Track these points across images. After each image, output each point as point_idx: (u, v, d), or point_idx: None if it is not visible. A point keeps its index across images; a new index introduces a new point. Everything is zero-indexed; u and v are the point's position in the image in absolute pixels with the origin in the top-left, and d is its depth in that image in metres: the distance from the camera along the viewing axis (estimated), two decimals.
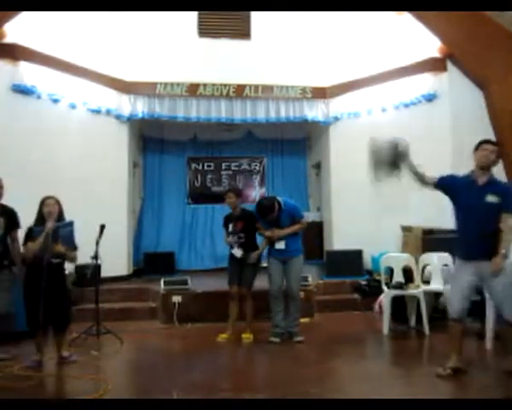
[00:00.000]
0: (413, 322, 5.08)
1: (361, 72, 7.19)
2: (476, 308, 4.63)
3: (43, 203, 3.91)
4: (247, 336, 4.64)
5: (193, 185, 8.65)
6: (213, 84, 7.19)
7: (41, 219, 3.86)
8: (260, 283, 4.89)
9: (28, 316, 3.82)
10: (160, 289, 5.63)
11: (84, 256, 5.10)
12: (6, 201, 4.19)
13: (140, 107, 7.10)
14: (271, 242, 4.63)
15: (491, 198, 3.31)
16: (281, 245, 4.58)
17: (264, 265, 4.96)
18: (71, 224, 3.93)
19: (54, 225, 3.79)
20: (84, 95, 6.54)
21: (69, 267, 5.93)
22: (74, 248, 3.99)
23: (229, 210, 4.96)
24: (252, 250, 4.72)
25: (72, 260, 4.05)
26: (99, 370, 3.87)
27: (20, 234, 4.08)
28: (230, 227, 4.76)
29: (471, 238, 3.37)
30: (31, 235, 3.82)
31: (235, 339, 4.63)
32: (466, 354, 3.66)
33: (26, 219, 3.97)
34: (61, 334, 3.95)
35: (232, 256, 4.81)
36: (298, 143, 8.87)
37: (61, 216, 3.93)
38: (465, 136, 6.35)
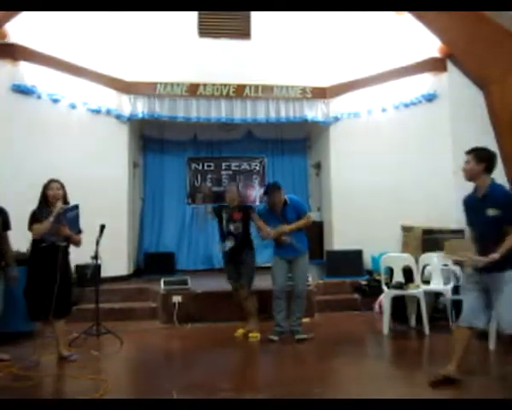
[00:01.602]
0: (413, 322, 5.08)
1: (361, 72, 7.19)
2: None
3: (47, 187, 3.92)
4: (254, 335, 4.65)
5: (193, 185, 8.64)
6: (213, 84, 7.20)
7: (44, 202, 3.88)
8: (261, 282, 4.89)
9: (31, 302, 3.82)
10: (160, 289, 5.63)
11: (84, 256, 5.12)
12: (4, 201, 4.19)
13: (140, 107, 7.10)
14: (277, 238, 4.60)
15: (491, 212, 3.14)
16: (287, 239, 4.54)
17: (268, 265, 4.97)
18: (77, 207, 3.94)
19: (63, 206, 3.82)
20: (84, 95, 6.54)
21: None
22: (79, 231, 4.00)
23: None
24: (246, 245, 4.75)
25: (77, 243, 4.04)
26: (99, 370, 3.87)
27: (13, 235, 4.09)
28: (225, 217, 4.76)
29: (479, 251, 3.25)
30: (35, 217, 3.82)
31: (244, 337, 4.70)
32: (468, 354, 3.65)
33: (26, 219, 3.95)
34: (60, 322, 3.95)
35: (228, 258, 4.81)
36: (298, 143, 8.86)
37: (65, 200, 3.95)
38: (465, 135, 6.36)
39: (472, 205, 3.35)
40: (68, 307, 4.05)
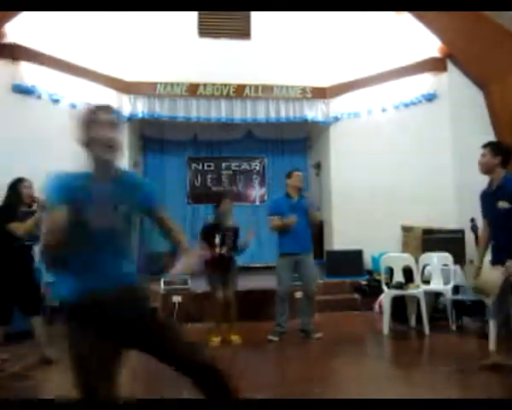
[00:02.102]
0: (413, 322, 5.07)
1: (361, 72, 7.19)
2: (476, 308, 4.65)
3: (21, 184, 3.86)
4: (236, 338, 4.59)
5: (193, 185, 8.64)
6: (213, 84, 7.19)
7: (19, 199, 3.82)
8: (262, 283, 4.88)
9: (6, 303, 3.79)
10: (160, 289, 5.62)
11: None
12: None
13: (140, 107, 7.10)
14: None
15: (501, 204, 3.18)
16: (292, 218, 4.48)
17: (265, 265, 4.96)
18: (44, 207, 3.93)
19: (45, 205, 3.79)
20: (84, 95, 6.53)
21: None
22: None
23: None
24: (231, 263, 4.67)
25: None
26: None
27: None
28: (218, 239, 4.57)
29: (493, 245, 3.34)
30: (12, 215, 3.72)
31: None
32: (468, 354, 3.66)
33: None
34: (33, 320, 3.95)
35: (215, 263, 4.53)
36: (298, 143, 8.86)
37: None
38: (465, 135, 6.38)
39: (486, 199, 3.39)
40: (38, 306, 4.03)
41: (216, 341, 4.56)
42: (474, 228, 5.16)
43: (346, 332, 5.03)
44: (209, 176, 8.71)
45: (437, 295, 5.19)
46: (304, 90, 7.39)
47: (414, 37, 6.85)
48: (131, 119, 7.15)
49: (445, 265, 5.09)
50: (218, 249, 4.57)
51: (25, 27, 5.90)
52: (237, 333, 4.62)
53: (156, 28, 7.20)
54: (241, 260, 7.86)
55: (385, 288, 5.00)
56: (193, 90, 7.18)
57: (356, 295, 6.11)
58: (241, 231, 4.79)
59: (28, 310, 3.88)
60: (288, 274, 4.57)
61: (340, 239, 7.15)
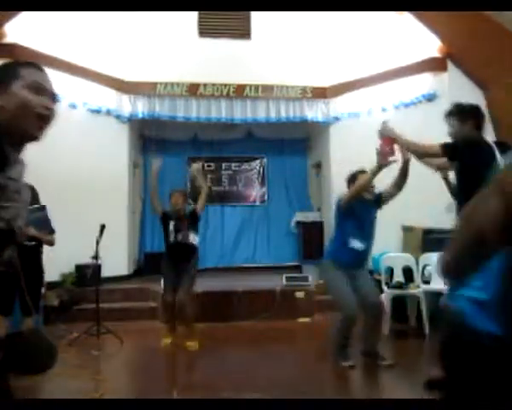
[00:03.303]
0: (413, 322, 5.08)
1: (361, 71, 7.18)
2: None
3: None
4: (193, 344, 4.36)
5: (193, 185, 8.63)
6: (213, 84, 7.20)
7: None
8: (258, 283, 4.87)
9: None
10: (160, 289, 5.61)
11: (84, 256, 5.12)
12: None
13: (140, 107, 7.11)
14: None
15: None
16: (359, 245, 4.03)
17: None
18: (43, 208, 3.87)
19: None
20: (84, 95, 6.54)
21: (70, 265, 5.98)
22: (51, 231, 3.95)
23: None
24: (193, 254, 4.51)
25: (49, 243, 4.00)
26: (99, 370, 3.87)
27: None
28: (172, 225, 4.52)
29: None
30: None
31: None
32: None
33: None
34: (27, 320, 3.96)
35: (169, 260, 4.51)
36: (298, 143, 8.86)
37: (35, 201, 3.80)
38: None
39: None
40: (35, 307, 4.01)
41: (165, 342, 4.42)
42: None
43: None
44: (209, 176, 8.70)
45: (437, 294, 5.19)
46: (304, 90, 7.40)
47: (414, 37, 6.85)
48: (131, 119, 7.16)
49: None
50: (172, 237, 4.48)
51: (25, 27, 5.90)
52: (196, 339, 4.37)
53: (156, 28, 7.20)
54: (238, 261, 7.91)
55: (385, 288, 5.01)
56: (193, 90, 7.18)
57: None
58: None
59: (26, 310, 3.88)
60: (349, 289, 3.77)
61: None
